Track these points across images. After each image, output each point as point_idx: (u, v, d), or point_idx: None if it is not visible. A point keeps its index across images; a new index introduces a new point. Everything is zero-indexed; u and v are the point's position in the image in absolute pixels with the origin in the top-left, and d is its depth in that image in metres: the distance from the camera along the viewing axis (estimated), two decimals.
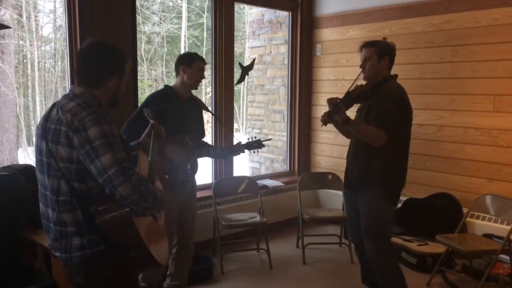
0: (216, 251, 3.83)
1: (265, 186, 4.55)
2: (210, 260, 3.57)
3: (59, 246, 1.66)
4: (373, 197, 2.70)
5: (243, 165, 6.26)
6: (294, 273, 3.67)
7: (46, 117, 1.67)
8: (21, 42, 9.40)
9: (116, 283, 1.71)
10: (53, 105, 1.70)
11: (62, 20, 9.63)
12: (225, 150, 3.15)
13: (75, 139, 1.56)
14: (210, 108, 3.98)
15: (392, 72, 2.79)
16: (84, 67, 1.72)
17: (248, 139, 3.00)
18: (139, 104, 3.58)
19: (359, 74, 2.75)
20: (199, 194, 4.07)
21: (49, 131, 1.63)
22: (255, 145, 2.98)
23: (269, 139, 3.29)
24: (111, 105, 1.80)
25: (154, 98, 2.82)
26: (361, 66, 2.75)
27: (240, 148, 3.00)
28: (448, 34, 3.95)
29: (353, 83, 2.75)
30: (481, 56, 3.76)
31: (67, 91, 1.80)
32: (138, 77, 3.73)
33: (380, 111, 2.64)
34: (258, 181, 4.37)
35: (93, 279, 1.69)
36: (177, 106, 2.79)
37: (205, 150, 3.00)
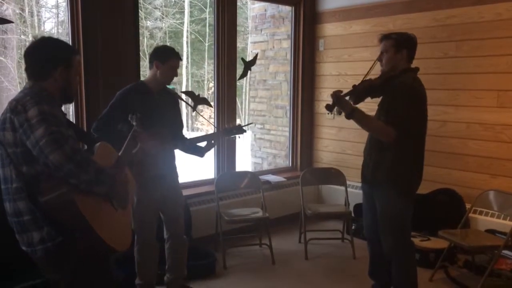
0: (218, 246, 3.84)
1: (268, 182, 4.55)
2: (212, 255, 3.57)
3: (22, 240, 1.72)
4: (387, 195, 2.68)
5: (245, 161, 6.27)
6: (296, 268, 3.67)
7: (2, 113, 1.74)
8: (23, 37, 9.40)
9: (84, 274, 1.74)
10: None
11: (64, 15, 9.61)
12: (201, 139, 2.96)
13: (15, 120, 1.63)
14: (212, 104, 3.98)
15: None
16: (29, 63, 1.79)
17: (226, 126, 2.97)
18: None
19: (371, 67, 2.69)
20: (201, 190, 4.09)
21: None
22: (234, 130, 2.91)
23: (251, 123, 3.25)
24: (65, 99, 1.86)
25: (124, 94, 2.75)
26: (378, 59, 2.69)
27: (219, 135, 2.92)
28: (452, 29, 3.93)
29: (365, 76, 2.69)
30: (485, 51, 3.74)
31: None
32: (141, 72, 3.72)
33: (389, 106, 2.60)
34: (260, 177, 4.37)
35: (60, 270, 1.74)
36: (148, 100, 2.73)
37: (181, 143, 2.91)
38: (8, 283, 2.52)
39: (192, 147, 2.94)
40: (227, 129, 2.93)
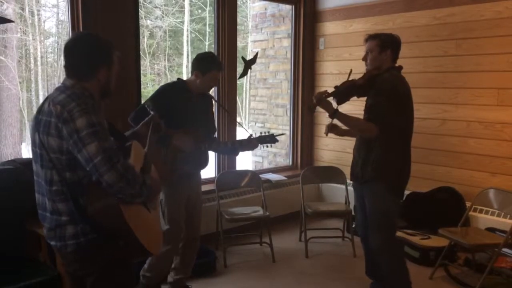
0: (219, 244, 3.84)
1: (268, 180, 4.55)
2: (213, 253, 3.58)
3: (54, 235, 1.71)
4: (375, 190, 2.72)
5: (246, 159, 6.27)
6: (297, 266, 3.68)
7: (39, 110, 1.71)
8: (23, 36, 9.39)
9: (111, 272, 1.74)
10: (46, 98, 1.73)
11: (65, 14, 9.61)
12: (236, 144, 3.00)
13: (64, 129, 1.60)
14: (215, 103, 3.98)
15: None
16: (72, 61, 1.75)
17: (261, 133, 2.96)
18: (142, 98, 3.59)
19: (350, 72, 2.75)
20: (202, 188, 4.07)
21: (41, 123, 1.67)
22: (267, 139, 2.92)
23: (283, 134, 3.25)
24: (104, 95, 1.83)
25: (164, 89, 2.83)
26: (363, 59, 2.77)
27: (252, 142, 2.92)
28: (452, 27, 3.93)
29: (348, 76, 2.76)
30: (485, 49, 3.75)
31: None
32: (141, 71, 3.72)
33: (371, 103, 2.68)
34: (261, 175, 4.37)
35: (87, 267, 1.73)
36: (187, 100, 2.78)
37: (216, 145, 2.95)
38: (8, 282, 2.53)
39: (226, 148, 2.97)
40: (261, 137, 2.92)
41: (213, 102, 3.08)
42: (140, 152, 1.91)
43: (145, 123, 2.15)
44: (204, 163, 2.94)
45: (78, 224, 1.66)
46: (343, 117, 2.69)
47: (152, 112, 2.18)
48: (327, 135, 2.83)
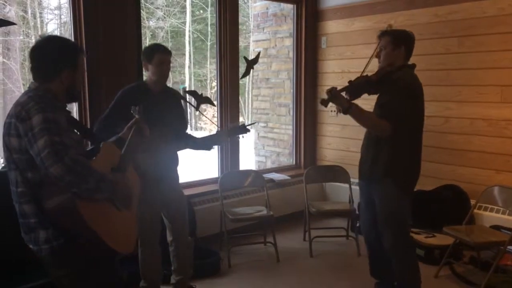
0: (223, 244, 3.85)
1: (272, 180, 4.55)
2: (217, 254, 3.58)
3: (29, 239, 1.74)
4: (385, 188, 2.68)
5: (249, 159, 6.27)
6: (301, 266, 3.68)
7: (7, 115, 1.73)
8: (26, 38, 9.43)
9: (86, 272, 1.75)
10: (15, 102, 1.76)
11: (67, 16, 9.63)
12: (206, 139, 2.97)
13: (20, 128, 1.63)
14: (215, 103, 3.98)
15: None
16: (35, 63, 1.78)
17: (230, 126, 2.92)
18: None
19: (367, 63, 2.69)
20: (205, 189, 4.10)
21: (5, 126, 1.70)
22: (238, 130, 2.87)
23: (254, 123, 3.22)
24: (70, 99, 1.87)
25: (124, 93, 2.74)
26: (376, 55, 2.72)
27: (223, 135, 2.88)
28: (454, 24, 3.91)
29: (362, 72, 2.70)
30: (488, 46, 3.73)
31: None
32: (143, 72, 3.71)
33: (385, 101, 2.63)
34: (264, 175, 4.37)
35: (63, 268, 1.75)
36: (148, 99, 2.69)
37: (185, 143, 2.89)
38: (11, 283, 2.54)
39: (197, 144, 2.92)
40: (231, 129, 2.89)
41: (183, 96, 2.99)
42: (113, 153, 1.91)
43: (129, 127, 2.12)
44: (172, 164, 2.87)
45: (49, 228, 1.68)
46: (357, 113, 2.61)
47: (137, 116, 2.15)
48: (337, 115, 2.73)
